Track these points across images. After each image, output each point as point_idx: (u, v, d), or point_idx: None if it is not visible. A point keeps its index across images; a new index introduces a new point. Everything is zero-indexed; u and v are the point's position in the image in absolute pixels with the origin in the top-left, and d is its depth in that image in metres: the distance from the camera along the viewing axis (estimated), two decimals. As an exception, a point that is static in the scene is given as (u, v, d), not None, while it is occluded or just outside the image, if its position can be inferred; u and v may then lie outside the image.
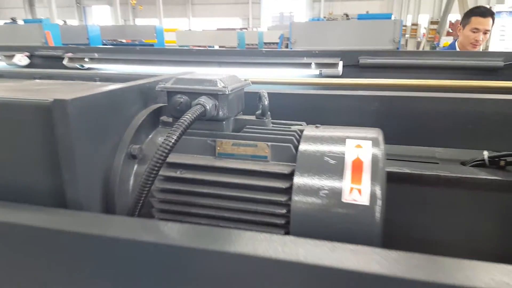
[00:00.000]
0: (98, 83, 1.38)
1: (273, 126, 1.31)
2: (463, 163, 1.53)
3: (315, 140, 1.20)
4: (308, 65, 2.43)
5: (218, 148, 1.23)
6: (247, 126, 1.27)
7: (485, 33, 2.77)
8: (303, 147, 1.17)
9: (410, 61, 2.42)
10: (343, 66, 2.41)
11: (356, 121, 1.65)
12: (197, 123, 1.01)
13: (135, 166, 1.28)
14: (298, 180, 1.11)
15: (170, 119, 1.19)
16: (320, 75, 2.41)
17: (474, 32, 2.79)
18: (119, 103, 1.10)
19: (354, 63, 2.45)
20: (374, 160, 1.11)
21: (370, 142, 1.17)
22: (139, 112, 1.19)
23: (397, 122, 1.69)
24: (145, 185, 1.03)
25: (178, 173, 1.22)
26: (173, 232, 0.94)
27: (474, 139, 1.60)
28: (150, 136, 1.20)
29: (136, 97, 1.19)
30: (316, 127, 1.30)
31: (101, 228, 0.91)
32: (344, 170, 1.11)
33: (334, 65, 2.40)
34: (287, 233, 1.13)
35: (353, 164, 1.12)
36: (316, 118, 1.47)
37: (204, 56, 2.58)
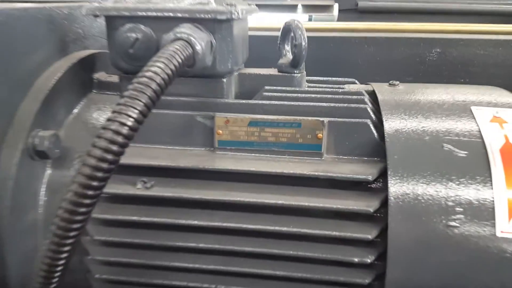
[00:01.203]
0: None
1: (310, 87, 0.66)
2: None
3: (409, 110, 0.58)
4: (293, 8, 1.78)
5: (220, 131, 0.58)
6: (267, 88, 0.62)
7: None
8: (392, 124, 0.55)
9: (423, 5, 1.83)
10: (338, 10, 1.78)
11: (403, 77, 1.03)
12: (174, 82, 0.48)
13: (47, 173, 0.59)
14: (397, 192, 0.50)
15: (116, 78, 0.69)
16: (310, 21, 1.78)
17: None
18: (3, 45, 0.56)
19: (352, 7, 1.83)
20: (539, 145, 0.52)
21: (513, 111, 0.58)
22: (49, 63, 0.66)
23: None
24: (69, 225, 0.36)
25: (140, 187, 0.55)
26: None
27: None
28: (75, 112, 0.52)
29: (40, 34, 0.66)
30: (391, 85, 0.67)
31: None
32: (491, 169, 0.50)
33: (328, 8, 1.77)
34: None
35: (504, 156, 0.52)
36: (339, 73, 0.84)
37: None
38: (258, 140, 0.61)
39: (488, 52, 1.13)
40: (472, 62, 1.08)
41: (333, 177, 0.57)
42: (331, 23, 1.56)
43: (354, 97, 0.64)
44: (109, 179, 0.42)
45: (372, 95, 0.67)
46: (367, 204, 0.55)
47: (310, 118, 0.60)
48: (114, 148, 0.40)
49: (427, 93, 0.67)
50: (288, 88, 0.67)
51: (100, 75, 0.73)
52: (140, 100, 0.42)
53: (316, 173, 0.57)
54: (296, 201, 0.56)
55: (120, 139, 0.40)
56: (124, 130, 0.40)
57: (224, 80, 0.62)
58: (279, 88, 0.67)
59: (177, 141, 0.60)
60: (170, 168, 0.58)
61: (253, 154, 0.60)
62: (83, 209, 0.41)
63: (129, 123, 0.41)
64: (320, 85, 0.72)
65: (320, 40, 1.14)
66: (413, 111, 0.62)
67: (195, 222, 0.57)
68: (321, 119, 0.60)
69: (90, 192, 0.40)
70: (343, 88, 0.70)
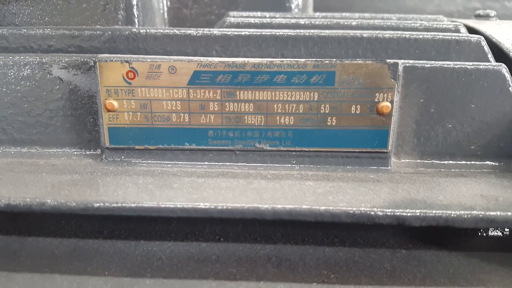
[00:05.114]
0: None
1: (316, 17, 0.25)
2: None
3: None
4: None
5: (112, 102, 0.16)
6: (232, 13, 0.20)
7: None
8: None
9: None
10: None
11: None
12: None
13: None
14: None
15: None
16: None
17: None
18: None
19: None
20: None
21: None
22: None
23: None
24: None
25: None
26: None
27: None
28: None
29: None
30: (483, 16, 0.28)
31: None
32: None
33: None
34: None
35: None
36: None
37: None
38: (218, 124, 0.22)
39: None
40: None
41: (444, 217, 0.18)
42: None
43: (441, 24, 0.27)
44: None
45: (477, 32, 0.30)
46: None
47: (360, 60, 0.21)
48: None
49: None
50: (280, 14, 0.29)
51: None
52: None
53: (383, 213, 0.18)
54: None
55: None
56: None
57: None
58: (260, 13, 0.28)
59: (11, 133, 0.19)
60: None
61: (206, 164, 0.19)
62: None
63: None
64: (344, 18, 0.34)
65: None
66: None
67: None
68: (390, 60, 0.21)
69: None
70: (390, 21, 0.32)
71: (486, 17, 0.37)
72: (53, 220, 0.25)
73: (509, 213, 0.20)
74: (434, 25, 0.30)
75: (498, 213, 0.20)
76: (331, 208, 0.20)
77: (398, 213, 0.20)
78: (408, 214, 0.20)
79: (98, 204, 0.20)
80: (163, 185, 0.22)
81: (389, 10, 0.61)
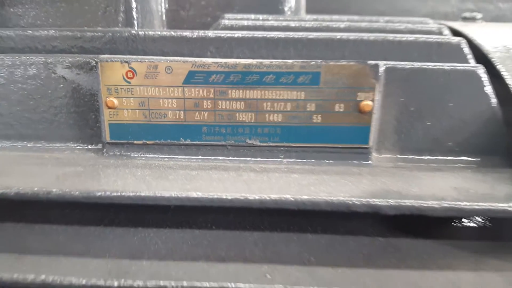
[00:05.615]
0: None
1: (307, 19, 0.27)
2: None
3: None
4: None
5: (113, 100, 0.18)
6: (228, 16, 0.22)
7: None
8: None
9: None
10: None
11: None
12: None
13: None
14: None
15: None
16: None
17: None
18: None
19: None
20: None
21: None
22: None
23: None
24: None
25: None
26: None
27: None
28: None
29: None
30: (469, 19, 0.30)
31: None
32: None
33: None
34: None
35: None
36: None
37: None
38: (211, 120, 0.24)
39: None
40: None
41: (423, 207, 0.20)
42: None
43: (425, 26, 0.29)
44: None
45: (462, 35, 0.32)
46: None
47: (343, 62, 0.23)
48: None
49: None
50: (272, 16, 0.31)
51: None
52: None
53: (361, 202, 0.20)
54: None
55: None
56: None
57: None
58: (253, 15, 0.30)
59: (18, 129, 0.22)
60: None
61: (200, 158, 0.21)
62: None
63: None
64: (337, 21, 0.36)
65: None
66: None
67: None
68: (371, 62, 0.23)
69: None
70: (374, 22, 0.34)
71: (473, 19, 0.39)
72: (58, 209, 0.27)
73: (476, 203, 0.22)
74: (419, 27, 0.32)
75: (466, 203, 0.22)
76: (312, 197, 0.22)
77: (373, 203, 0.22)
78: (383, 203, 0.22)
79: (99, 193, 0.22)
80: (159, 176, 0.24)
81: (385, 11, 0.63)
